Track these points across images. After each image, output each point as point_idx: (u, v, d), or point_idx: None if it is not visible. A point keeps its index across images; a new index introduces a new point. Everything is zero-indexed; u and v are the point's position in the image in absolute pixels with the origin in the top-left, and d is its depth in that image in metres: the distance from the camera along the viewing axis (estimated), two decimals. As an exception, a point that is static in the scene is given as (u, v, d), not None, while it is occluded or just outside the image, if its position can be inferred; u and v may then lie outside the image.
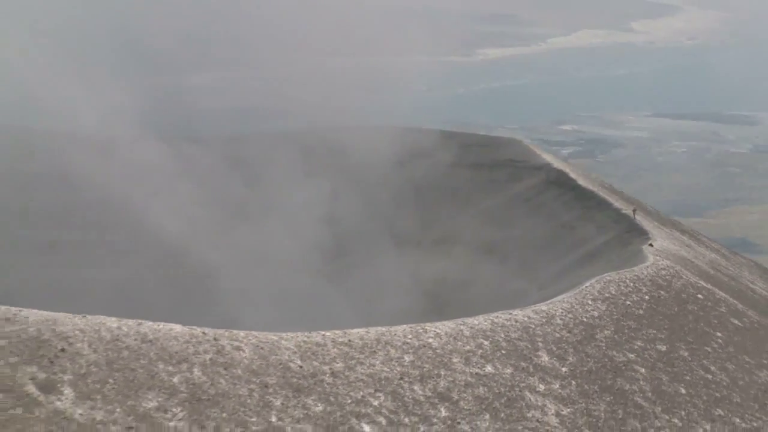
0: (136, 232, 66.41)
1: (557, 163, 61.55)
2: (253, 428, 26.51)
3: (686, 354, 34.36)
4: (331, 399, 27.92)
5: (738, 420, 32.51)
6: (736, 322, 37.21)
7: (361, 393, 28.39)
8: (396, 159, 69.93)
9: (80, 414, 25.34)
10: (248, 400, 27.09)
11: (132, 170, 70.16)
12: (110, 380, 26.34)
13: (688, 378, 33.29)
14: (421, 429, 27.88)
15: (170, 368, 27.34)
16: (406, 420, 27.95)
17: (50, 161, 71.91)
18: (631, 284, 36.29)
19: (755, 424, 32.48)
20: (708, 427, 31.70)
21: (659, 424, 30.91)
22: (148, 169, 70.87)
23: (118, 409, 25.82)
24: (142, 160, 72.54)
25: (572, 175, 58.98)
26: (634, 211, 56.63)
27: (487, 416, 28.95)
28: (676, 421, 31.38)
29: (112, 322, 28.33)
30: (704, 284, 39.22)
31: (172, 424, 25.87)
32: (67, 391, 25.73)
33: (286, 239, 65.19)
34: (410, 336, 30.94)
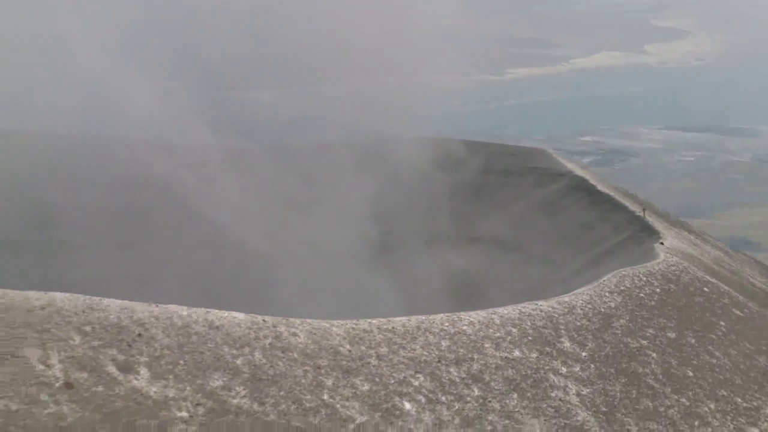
0: (205, 229, 66.77)
1: (578, 171, 61.64)
2: (307, 405, 26.53)
3: (693, 341, 34.26)
4: (377, 379, 27.92)
5: (739, 400, 32.42)
6: (737, 312, 37.10)
7: (403, 374, 28.39)
8: (433, 165, 70.15)
9: (154, 392, 25.40)
10: (303, 380, 27.12)
11: (201, 175, 70.49)
12: (181, 362, 26.41)
13: (694, 362, 33.19)
14: (456, 407, 27.86)
15: (234, 351, 27.40)
16: (443, 398, 27.95)
17: (130, 166, 72.32)
18: (644, 278, 36.23)
19: (755, 404, 32.38)
20: (712, 405, 31.61)
21: (669, 403, 30.83)
22: (215, 174, 71.24)
23: (188, 388, 25.86)
24: (210, 166, 72.89)
25: (592, 182, 59.04)
26: (643, 210, 56.70)
27: (515, 395, 28.91)
28: (684, 400, 31.31)
29: (182, 310, 28.42)
30: (709, 278, 39.13)
31: (235, 401, 25.92)
32: (143, 371, 25.80)
33: (336, 235, 65.36)
34: (447, 324, 30.93)
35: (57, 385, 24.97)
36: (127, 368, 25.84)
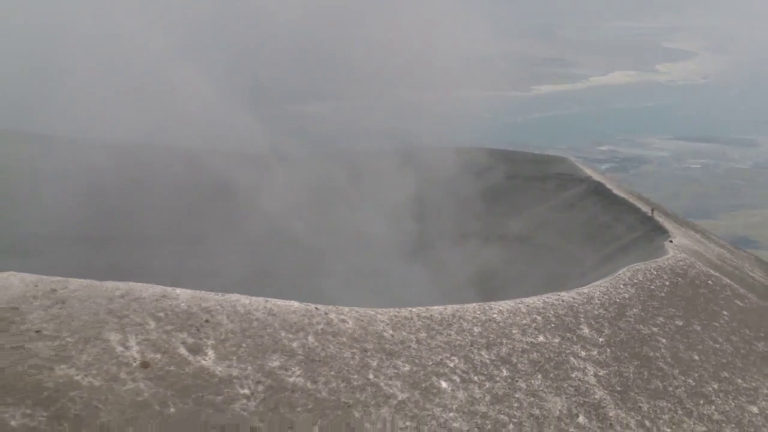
0: (264, 226, 67.08)
1: (596, 176, 61.64)
2: (355, 383, 26.54)
3: (699, 328, 34.14)
4: (416, 361, 27.91)
5: (740, 381, 32.28)
6: (738, 303, 36.93)
7: (440, 356, 28.36)
8: (465, 171, 70.30)
9: (220, 371, 25.48)
10: (351, 362, 27.12)
11: (261, 178, 70.87)
12: (243, 345, 26.47)
13: (699, 347, 33.07)
14: (487, 385, 27.81)
15: (290, 336, 27.44)
16: (475, 378, 27.90)
17: (205, 174, 72.65)
18: (655, 272, 36.12)
19: (754, 384, 32.24)
20: (716, 386, 31.48)
21: (676, 383, 30.72)
22: (273, 177, 71.57)
23: (249, 367, 25.91)
24: (269, 169, 73.23)
25: (608, 186, 59.05)
26: (652, 210, 56.61)
27: (540, 376, 28.83)
28: (690, 381, 31.18)
29: (244, 299, 28.51)
30: (713, 272, 38.99)
31: (291, 379, 25.95)
32: (210, 352, 25.89)
33: (379, 231, 65.49)
34: (479, 312, 30.92)
35: (134, 364, 25.10)
36: (195, 350, 25.94)
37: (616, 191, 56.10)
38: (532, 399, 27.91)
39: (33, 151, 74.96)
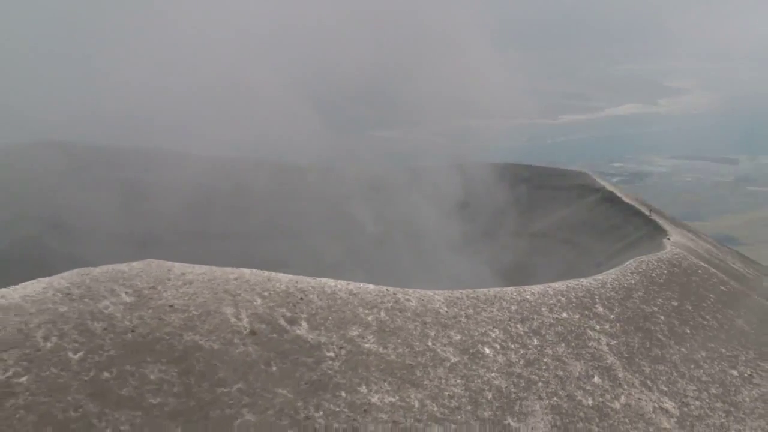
0: (345, 225, 67.13)
1: (609, 187, 61.50)
2: (417, 349, 26.62)
3: (690, 308, 33.97)
4: (465, 332, 27.93)
5: (723, 350, 32.09)
6: (722, 288, 36.73)
7: (484, 329, 28.37)
8: (503, 181, 70.33)
9: (311, 338, 25.61)
10: (413, 332, 27.19)
11: (342, 188, 70.85)
12: (329, 318, 26.60)
13: (691, 323, 32.90)
14: (521, 352, 27.80)
15: (366, 311, 27.52)
16: (512, 346, 27.89)
17: (294, 185, 72.75)
18: (656, 263, 36.00)
19: (734, 353, 32.04)
20: (704, 354, 31.31)
21: (672, 351, 30.57)
22: (353, 189, 71.59)
23: (334, 336, 26.03)
24: (348, 183, 73.38)
25: (618, 195, 58.97)
26: (650, 210, 56.45)
27: (563, 345, 28.78)
28: (683, 350, 31.02)
29: (331, 282, 28.64)
30: (702, 264, 38.75)
31: (366, 345, 26.05)
32: (304, 324, 26.01)
33: (435, 229, 65.52)
34: (515, 294, 30.92)
35: (245, 332, 25.31)
36: (292, 322, 26.10)
37: (624, 199, 55.88)
38: (557, 363, 27.87)
39: (148, 164, 75.21)
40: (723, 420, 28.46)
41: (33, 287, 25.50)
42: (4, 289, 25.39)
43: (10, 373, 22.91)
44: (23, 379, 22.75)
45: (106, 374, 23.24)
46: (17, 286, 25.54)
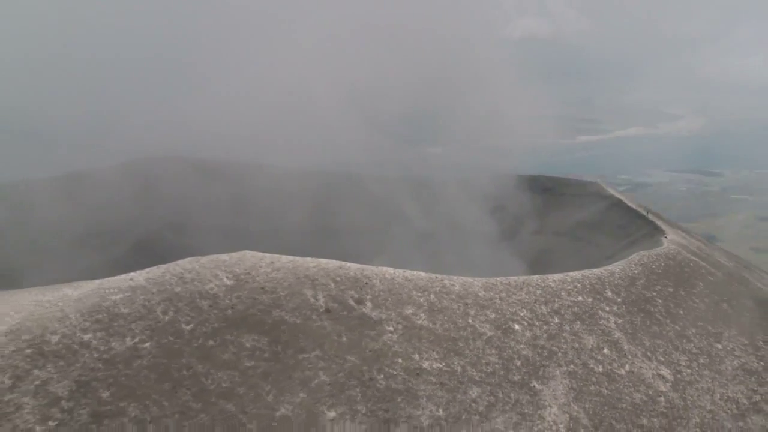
0: (400, 223, 66.83)
1: (617, 194, 61.05)
2: (459, 324, 26.59)
3: (683, 293, 33.70)
4: (499, 311, 27.88)
5: (710, 327, 31.80)
6: (710, 278, 36.42)
7: (514, 309, 28.29)
8: (531, 190, 69.90)
9: (374, 315, 25.73)
10: (457, 311, 27.19)
11: (397, 193, 70.25)
12: (389, 299, 26.65)
13: (684, 305, 32.63)
14: (544, 328, 27.71)
15: (419, 293, 27.54)
16: (537, 323, 27.80)
17: (359, 191, 72.59)
18: (655, 257, 35.75)
19: (719, 330, 31.73)
20: (694, 330, 31.04)
21: (668, 329, 30.32)
22: (402, 197, 70.90)
23: (392, 313, 26.08)
24: (403, 188, 72.74)
25: (625, 201, 58.48)
26: (647, 212, 56.02)
27: (579, 322, 28.65)
28: (677, 327, 30.78)
29: (391, 270, 28.66)
30: (693, 257, 38.42)
31: (419, 322, 26.09)
32: (368, 304, 26.07)
33: (472, 227, 65.14)
34: (539, 281, 30.81)
35: (321, 310, 25.43)
36: (359, 302, 26.19)
37: (629, 204, 55.46)
38: (574, 337, 27.75)
39: (244, 173, 74.81)
40: (709, 385, 28.20)
41: (155, 272, 25.87)
42: (132, 273, 25.82)
43: (136, 340, 23.31)
44: (147, 344, 23.10)
45: (211, 342, 23.54)
46: (142, 271, 25.94)
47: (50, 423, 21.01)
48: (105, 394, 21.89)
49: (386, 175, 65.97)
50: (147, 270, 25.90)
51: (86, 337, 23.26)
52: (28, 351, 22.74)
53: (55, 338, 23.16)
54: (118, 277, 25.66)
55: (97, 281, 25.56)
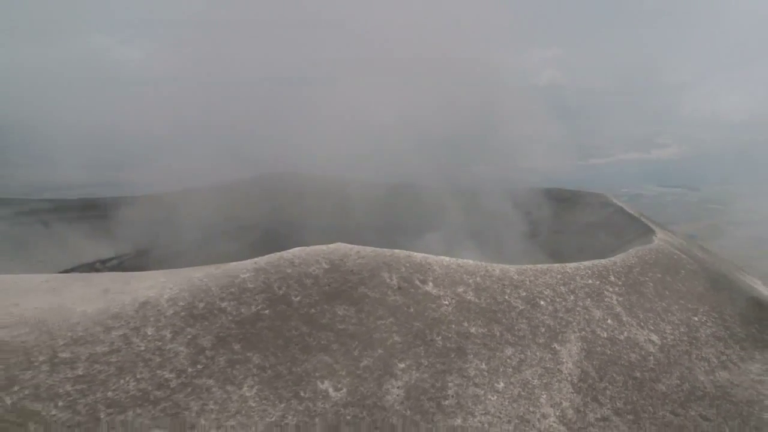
0: (452, 225, 66.34)
1: (619, 203, 59.97)
2: (498, 300, 26.30)
3: (669, 279, 32.90)
4: (528, 290, 27.52)
5: (689, 305, 30.97)
6: (689, 266, 35.53)
7: (540, 289, 27.90)
8: (552, 200, 68.84)
9: (434, 292, 25.57)
10: (496, 290, 26.90)
11: (452, 201, 69.37)
12: (445, 280, 26.53)
13: (669, 288, 31.85)
14: (563, 303, 27.26)
15: (467, 277, 27.32)
16: (558, 300, 27.40)
17: (424, 201, 71.76)
18: (647, 251, 34.98)
19: (695, 307, 30.87)
20: (676, 307, 30.24)
21: (657, 305, 29.57)
22: (448, 206, 69.19)
23: (448, 291, 25.95)
24: (456, 197, 71.54)
25: (625, 209, 57.35)
26: (641, 216, 55.06)
27: (589, 299, 28.15)
28: (664, 304, 30.03)
29: (447, 258, 28.47)
30: (677, 251, 37.49)
31: (468, 297, 25.87)
32: (430, 284, 25.99)
33: (509, 227, 64.21)
34: (560, 268, 30.32)
35: (394, 288, 25.42)
36: (423, 282, 26.11)
37: (629, 211, 54.41)
38: (585, 311, 27.28)
39: (341, 186, 74.21)
40: (687, 347, 27.49)
41: (273, 258, 26.14)
42: (256, 258, 26.16)
43: (259, 307, 23.58)
44: (266, 311, 23.34)
45: (312, 310, 23.69)
46: (264, 257, 26.25)
47: (198, 366, 21.42)
48: (237, 347, 22.22)
49: (439, 187, 65.50)
50: (267, 256, 26.22)
51: (223, 304, 23.65)
52: (183, 314, 23.22)
53: (201, 305, 23.60)
54: (246, 261, 26.04)
55: (232, 264, 25.98)
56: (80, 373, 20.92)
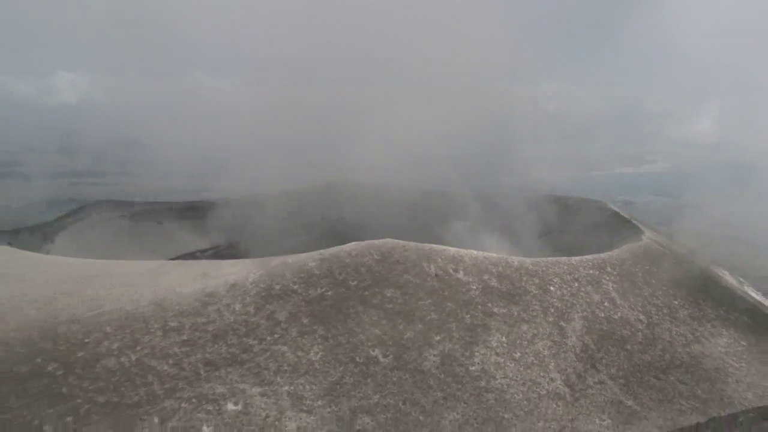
0: (479, 226, 64.12)
1: (615, 208, 58.30)
2: (516, 285, 25.97)
3: (655, 269, 32.01)
4: (541, 278, 27.06)
5: (670, 291, 30.18)
6: (671, 260, 34.60)
7: (550, 276, 27.37)
8: (560, 205, 66.92)
9: (464, 279, 25.42)
10: (516, 277, 26.50)
11: (473, 207, 66.72)
12: (473, 269, 26.24)
13: (655, 277, 31.06)
14: (569, 289, 26.78)
15: (492, 266, 26.94)
16: (564, 285, 26.92)
17: (448, 205, 68.70)
18: (637, 247, 34.10)
19: (674, 292, 30.13)
20: (660, 292, 29.48)
21: (645, 291, 28.82)
22: (477, 204, 66.36)
23: (475, 278, 25.73)
24: (475, 203, 68.25)
25: (620, 213, 55.85)
26: (632, 219, 53.44)
27: (590, 286, 27.61)
28: (650, 289, 29.23)
29: (475, 252, 28.05)
30: (660, 247, 36.49)
31: (492, 283, 25.60)
32: (461, 272, 25.76)
33: (527, 227, 62.30)
34: (566, 261, 29.67)
35: (432, 275, 25.31)
36: (455, 270, 25.88)
37: (623, 214, 53.19)
38: (587, 295, 26.79)
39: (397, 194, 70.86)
40: (669, 325, 26.86)
41: (335, 250, 26.26)
42: (321, 250, 26.33)
43: (323, 289, 23.76)
44: (329, 292, 23.50)
45: (366, 292, 23.77)
46: (327, 249, 26.38)
47: (275, 335, 21.66)
48: (305, 321, 22.43)
49: (468, 194, 64.01)
50: (330, 249, 26.37)
51: (295, 286, 23.89)
52: (263, 294, 23.54)
53: (277, 287, 23.87)
54: (313, 252, 26.23)
55: (302, 254, 26.20)
56: (185, 338, 21.44)
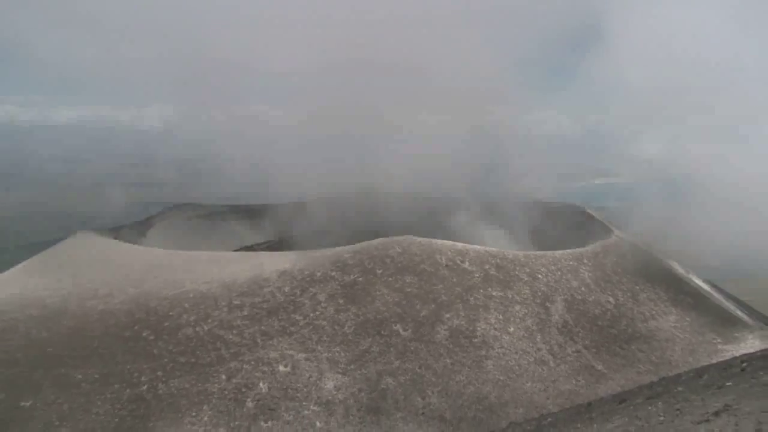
0: (484, 225, 61.13)
1: (593, 213, 56.71)
2: (513, 274, 25.68)
3: (621, 261, 31.44)
4: (531, 268, 26.67)
5: (634, 278, 29.72)
6: (635, 253, 33.88)
7: (540, 267, 26.93)
8: (548, 210, 62.61)
9: (469, 268, 25.34)
10: (512, 267, 26.30)
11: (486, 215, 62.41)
12: (477, 260, 26.03)
13: (621, 267, 30.45)
14: (553, 277, 26.51)
15: (492, 258, 26.59)
16: (549, 274, 26.51)
17: (458, 209, 64.57)
18: (609, 243, 33.43)
19: (637, 279, 29.61)
20: (626, 279, 28.98)
21: (615, 278, 28.31)
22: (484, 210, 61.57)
23: (478, 268, 25.54)
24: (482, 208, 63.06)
25: (595, 216, 54.43)
26: (604, 220, 51.46)
27: (569, 274, 27.12)
28: (618, 277, 28.71)
29: (477, 246, 27.83)
30: (627, 243, 35.79)
31: (492, 272, 25.41)
32: (467, 262, 25.65)
33: (519, 228, 60.14)
34: (551, 254, 29.16)
35: (444, 265, 25.16)
36: (462, 261, 25.66)
37: (597, 217, 52.02)
38: (567, 282, 26.38)
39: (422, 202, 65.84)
40: (631, 305, 26.49)
41: (364, 245, 26.25)
42: (351, 245, 26.40)
43: (356, 276, 23.95)
44: (360, 278, 23.62)
45: (390, 278, 23.83)
46: (357, 245, 26.53)
47: (316, 312, 21.93)
48: (341, 301, 22.67)
49: (472, 200, 62.34)
50: (360, 244, 26.46)
51: (333, 273, 24.12)
52: (307, 279, 23.81)
53: (319, 273, 24.12)
54: (347, 246, 26.34)
55: (338, 248, 26.28)
56: (245, 313, 21.86)
